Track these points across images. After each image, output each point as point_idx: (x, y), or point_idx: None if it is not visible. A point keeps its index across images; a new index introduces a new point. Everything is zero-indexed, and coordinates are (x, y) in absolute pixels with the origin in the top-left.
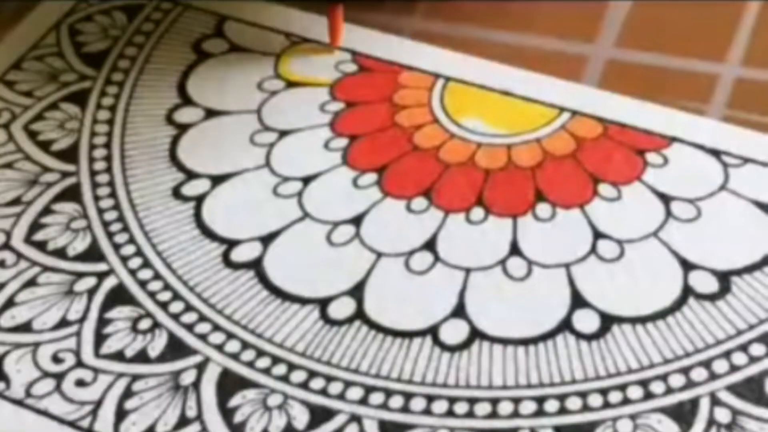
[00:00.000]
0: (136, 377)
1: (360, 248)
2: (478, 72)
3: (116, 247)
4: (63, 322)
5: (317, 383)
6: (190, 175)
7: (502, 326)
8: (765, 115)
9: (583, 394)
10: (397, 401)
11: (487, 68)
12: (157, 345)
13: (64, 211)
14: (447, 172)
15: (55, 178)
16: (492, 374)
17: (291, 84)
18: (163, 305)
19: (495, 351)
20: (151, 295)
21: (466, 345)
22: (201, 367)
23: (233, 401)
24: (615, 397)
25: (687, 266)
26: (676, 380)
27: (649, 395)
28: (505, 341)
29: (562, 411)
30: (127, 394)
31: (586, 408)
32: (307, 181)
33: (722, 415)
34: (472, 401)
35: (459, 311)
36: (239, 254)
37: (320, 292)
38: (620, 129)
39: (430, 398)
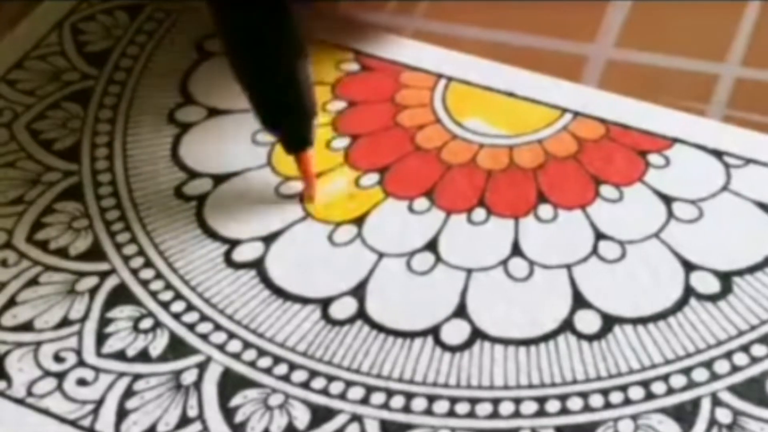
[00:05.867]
0: (137, 377)
1: (362, 248)
2: (480, 72)
3: (118, 246)
4: (65, 322)
5: (318, 383)
6: (192, 175)
7: (504, 326)
8: (766, 116)
9: (584, 395)
10: (398, 401)
11: (489, 69)
12: (159, 344)
13: (65, 210)
14: (449, 173)
15: (57, 177)
16: (493, 374)
17: None
18: (165, 305)
19: (496, 351)
20: (153, 294)
21: (467, 345)
22: (202, 367)
23: (234, 401)
24: (616, 397)
25: (688, 267)
26: (678, 381)
27: (650, 396)
28: (506, 341)
29: (564, 411)
30: (129, 393)
31: (587, 408)
32: None
33: (723, 416)
34: (473, 401)
35: (460, 311)
36: (241, 254)
37: (321, 292)
38: (622, 130)
39: (432, 398)
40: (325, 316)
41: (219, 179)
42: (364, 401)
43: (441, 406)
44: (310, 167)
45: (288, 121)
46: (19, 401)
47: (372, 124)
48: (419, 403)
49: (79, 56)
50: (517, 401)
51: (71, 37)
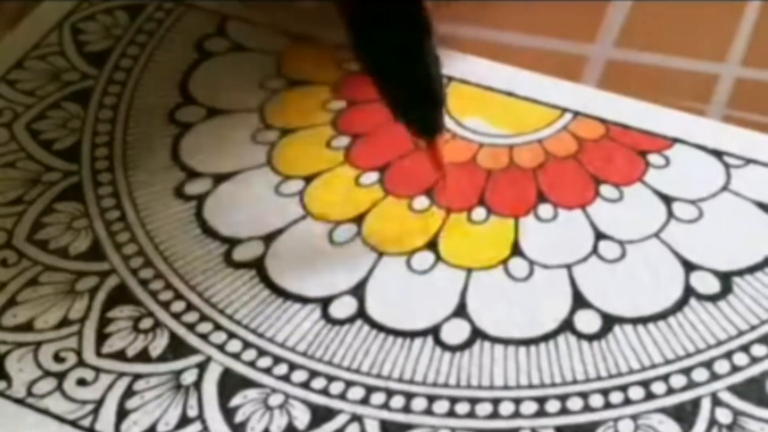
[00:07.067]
0: (137, 376)
1: (361, 247)
2: (481, 72)
3: (118, 246)
4: (64, 321)
5: (318, 383)
6: (192, 174)
7: (504, 326)
8: (766, 116)
9: (584, 395)
10: (398, 401)
11: (489, 68)
12: (159, 344)
13: (65, 210)
14: (449, 172)
15: (57, 177)
16: (493, 374)
17: (293, 82)
18: (165, 304)
19: (496, 351)
20: (153, 294)
21: (467, 345)
22: (202, 367)
23: (234, 401)
24: (616, 397)
25: (688, 267)
26: (678, 381)
27: (650, 396)
28: (506, 341)
29: (564, 411)
30: (129, 393)
31: (587, 408)
32: (308, 179)
33: (723, 416)
34: (473, 401)
35: (460, 311)
36: (241, 253)
37: (321, 292)
38: (622, 130)
39: (431, 398)
40: (325, 316)
41: (219, 179)
42: (364, 401)
43: (441, 406)
44: (441, 154)
45: (420, 107)
46: (19, 401)
47: (372, 123)
48: (419, 403)
49: (79, 56)
50: (517, 401)
51: (71, 37)
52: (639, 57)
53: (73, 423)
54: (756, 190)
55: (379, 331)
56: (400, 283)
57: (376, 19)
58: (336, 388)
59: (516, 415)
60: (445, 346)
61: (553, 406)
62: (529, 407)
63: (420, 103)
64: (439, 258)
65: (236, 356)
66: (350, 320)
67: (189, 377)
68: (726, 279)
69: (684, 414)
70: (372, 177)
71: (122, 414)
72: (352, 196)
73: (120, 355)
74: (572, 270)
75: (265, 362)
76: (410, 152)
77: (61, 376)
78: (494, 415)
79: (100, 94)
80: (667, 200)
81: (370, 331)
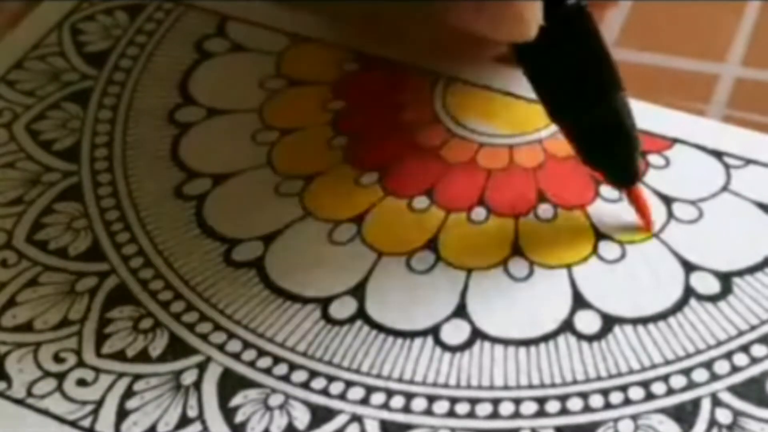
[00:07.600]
0: (137, 377)
1: (361, 247)
2: (480, 72)
3: (117, 246)
4: (64, 322)
5: (318, 383)
6: (192, 174)
7: (504, 326)
8: (766, 116)
9: (584, 395)
10: (398, 401)
11: (489, 68)
12: (159, 345)
13: (65, 210)
14: (448, 172)
15: (57, 177)
16: (493, 374)
17: (293, 82)
18: (164, 305)
19: (496, 351)
20: (153, 294)
21: (467, 345)
22: (202, 367)
23: (234, 401)
24: (616, 397)
25: (688, 267)
26: (678, 381)
27: (650, 396)
28: (506, 341)
29: (564, 411)
30: (129, 393)
31: (587, 409)
32: (308, 179)
33: (723, 416)
34: (473, 401)
35: (460, 311)
36: (241, 253)
37: (321, 292)
38: None
39: (431, 398)
40: (325, 316)
41: (219, 179)
42: (364, 401)
43: (441, 406)
44: (644, 200)
45: (616, 156)
46: (19, 402)
47: (371, 123)
48: (419, 403)
49: (78, 56)
50: (517, 401)
51: (71, 37)
52: (639, 57)
53: (73, 423)
54: (756, 190)
55: (379, 332)
56: (400, 283)
57: (570, 74)
58: (336, 388)
59: (516, 415)
60: (445, 347)
61: (553, 406)
62: (529, 407)
63: (616, 152)
64: (439, 258)
65: (236, 356)
66: (350, 320)
67: (189, 377)
68: (726, 279)
69: (684, 414)
70: (372, 177)
71: (122, 414)
72: (352, 196)
73: (120, 356)
74: (572, 270)
75: (265, 362)
76: (410, 152)
77: (61, 377)
78: (494, 415)
79: (99, 94)
80: (667, 200)
81: (370, 332)
